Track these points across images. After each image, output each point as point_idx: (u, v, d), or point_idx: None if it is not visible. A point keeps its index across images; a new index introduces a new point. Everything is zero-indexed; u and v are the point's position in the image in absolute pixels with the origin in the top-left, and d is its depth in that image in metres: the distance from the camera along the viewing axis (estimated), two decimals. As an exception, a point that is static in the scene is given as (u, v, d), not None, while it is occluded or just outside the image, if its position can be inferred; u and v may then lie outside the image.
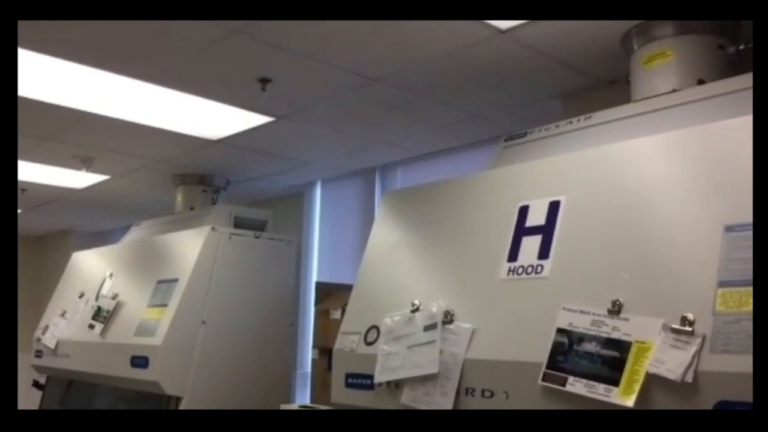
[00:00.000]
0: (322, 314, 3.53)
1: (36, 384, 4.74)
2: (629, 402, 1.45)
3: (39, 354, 4.17)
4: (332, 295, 3.54)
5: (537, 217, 1.86)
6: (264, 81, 2.66)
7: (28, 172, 4.13)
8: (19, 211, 5.44)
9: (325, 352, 3.35)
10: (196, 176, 4.09)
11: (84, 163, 3.79)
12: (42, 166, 4.02)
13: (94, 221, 5.97)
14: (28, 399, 5.09)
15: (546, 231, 1.82)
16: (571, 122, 2.14)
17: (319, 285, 3.75)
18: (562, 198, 1.83)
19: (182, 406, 3.17)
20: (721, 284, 1.42)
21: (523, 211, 1.90)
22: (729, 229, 1.46)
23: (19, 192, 4.65)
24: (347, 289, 2.38)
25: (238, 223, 3.74)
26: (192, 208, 4.07)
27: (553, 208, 1.83)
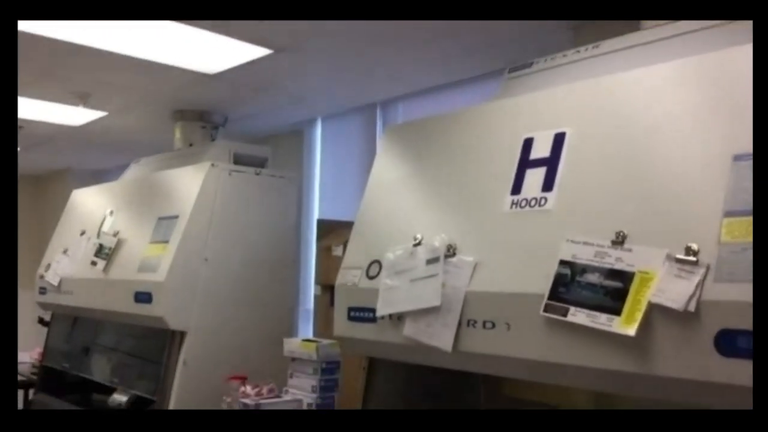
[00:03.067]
0: (323, 251, 3.55)
1: (41, 321, 4.81)
2: (630, 331, 1.46)
3: (43, 291, 4.21)
4: (334, 231, 3.54)
5: (541, 149, 1.83)
6: (262, 10, 2.58)
7: (25, 108, 4.07)
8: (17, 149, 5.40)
9: (327, 288, 3.38)
10: (195, 112, 4.03)
11: (80, 98, 3.74)
12: (38, 102, 3.96)
13: (92, 159, 5.94)
14: (35, 336, 5.17)
15: (550, 163, 1.80)
16: (578, 51, 2.08)
17: (320, 222, 3.76)
18: (567, 130, 1.80)
19: (186, 341, 3.22)
20: (727, 214, 1.41)
21: (528, 144, 1.88)
22: (737, 158, 1.44)
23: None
24: (349, 225, 2.38)
25: (238, 160, 3.70)
26: (191, 145, 4.03)
27: (558, 140, 1.80)
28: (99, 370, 3.85)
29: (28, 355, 5.24)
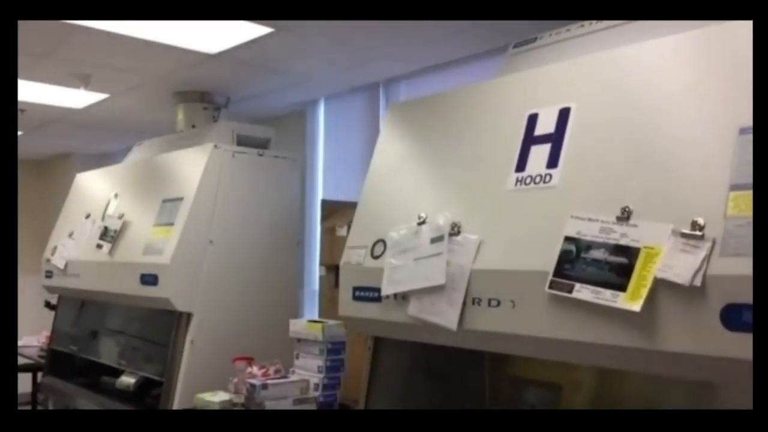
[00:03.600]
0: (328, 232, 3.55)
1: (48, 304, 4.84)
2: (636, 306, 1.45)
3: (49, 275, 4.22)
4: (338, 212, 3.54)
5: (546, 125, 1.82)
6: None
7: (26, 91, 4.06)
8: (19, 133, 5.39)
9: (332, 269, 3.38)
10: (197, 93, 4.00)
11: (81, 80, 3.72)
12: (39, 85, 3.94)
13: (95, 143, 5.93)
14: (42, 319, 5.20)
15: (555, 139, 1.79)
16: (583, 25, 2.06)
17: (324, 202, 3.75)
18: (572, 105, 1.78)
19: (193, 323, 3.23)
20: (734, 188, 1.40)
21: (532, 120, 1.86)
22: (744, 131, 1.43)
23: (18, 113, 4.59)
24: (353, 206, 2.37)
25: (241, 141, 3.69)
26: (193, 127, 4.01)
27: (563, 115, 1.79)
28: (107, 352, 3.88)
29: (35, 338, 5.29)
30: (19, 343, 5.19)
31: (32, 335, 5.34)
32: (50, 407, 4.40)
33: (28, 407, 5.38)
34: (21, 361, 5.06)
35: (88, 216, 4.03)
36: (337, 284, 2.34)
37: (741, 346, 1.30)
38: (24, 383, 5.21)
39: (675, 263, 1.42)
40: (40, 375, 4.64)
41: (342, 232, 3.35)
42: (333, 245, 3.40)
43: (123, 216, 3.67)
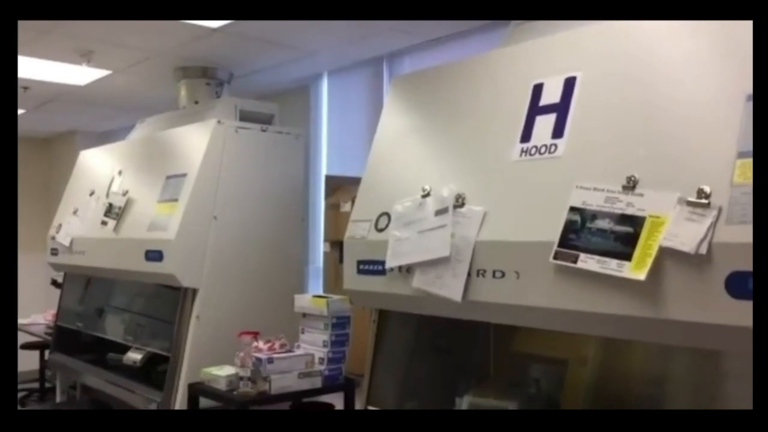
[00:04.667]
0: (332, 207, 3.55)
1: (55, 283, 4.87)
2: (641, 275, 1.45)
3: (54, 252, 4.24)
4: (342, 188, 3.54)
5: (551, 95, 1.80)
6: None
7: (29, 68, 4.04)
8: (23, 111, 5.38)
9: (336, 245, 3.39)
10: (199, 69, 3.97)
11: (84, 56, 3.70)
12: (43, 62, 3.93)
13: (98, 121, 5.92)
14: (49, 297, 5.24)
15: (561, 109, 1.77)
16: (588, -6, 2.03)
17: (328, 178, 3.75)
18: (578, 74, 1.76)
19: (198, 298, 3.24)
20: (741, 155, 1.38)
21: (537, 90, 1.84)
22: (751, 98, 1.41)
23: (22, 90, 4.58)
24: (357, 182, 2.36)
25: (244, 117, 3.67)
26: (196, 103, 3.99)
27: (569, 85, 1.77)
28: (113, 329, 3.90)
29: (42, 316, 5.33)
30: (26, 321, 5.24)
31: (39, 313, 5.38)
32: (58, 384, 4.45)
33: (36, 384, 5.45)
34: (28, 338, 5.11)
35: (92, 193, 4.03)
36: (341, 260, 2.33)
37: (746, 313, 1.30)
38: (32, 360, 5.28)
39: (681, 231, 1.41)
40: (47, 352, 4.68)
41: (346, 207, 3.34)
42: (337, 221, 3.40)
43: (127, 193, 3.67)
